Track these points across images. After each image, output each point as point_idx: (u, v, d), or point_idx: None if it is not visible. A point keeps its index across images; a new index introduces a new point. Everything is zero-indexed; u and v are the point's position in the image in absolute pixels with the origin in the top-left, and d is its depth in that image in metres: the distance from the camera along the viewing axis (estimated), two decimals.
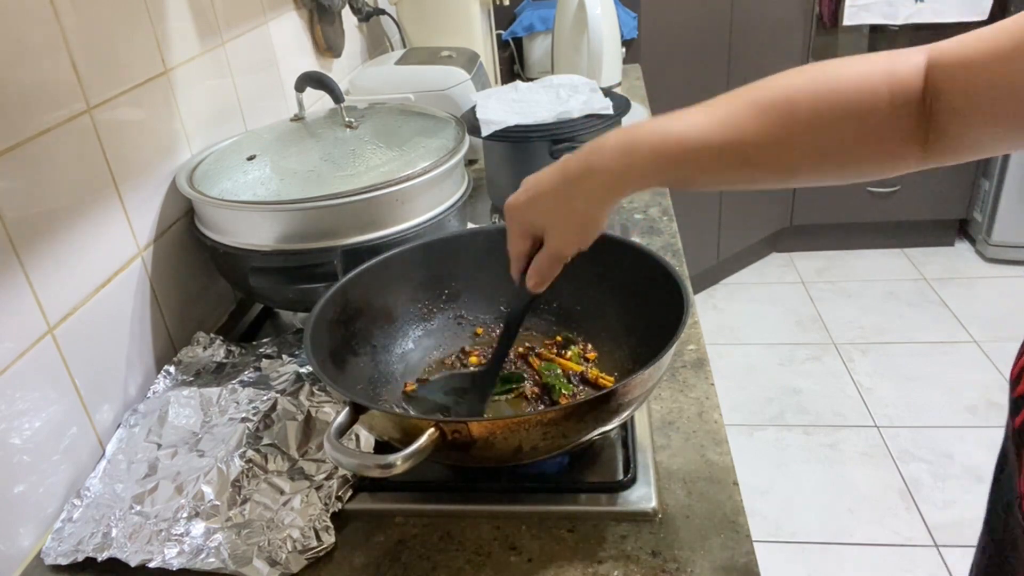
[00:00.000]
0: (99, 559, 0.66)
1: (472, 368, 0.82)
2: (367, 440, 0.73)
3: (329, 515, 0.67)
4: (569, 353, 0.83)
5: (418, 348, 0.85)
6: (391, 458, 0.55)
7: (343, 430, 0.59)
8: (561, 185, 0.59)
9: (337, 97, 1.00)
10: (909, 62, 0.50)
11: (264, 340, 0.94)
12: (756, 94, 0.54)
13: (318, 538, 0.66)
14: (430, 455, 0.56)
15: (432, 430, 0.56)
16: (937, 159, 0.52)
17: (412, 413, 0.77)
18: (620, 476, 0.71)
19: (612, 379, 0.79)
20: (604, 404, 0.60)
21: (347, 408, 0.60)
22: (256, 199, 0.88)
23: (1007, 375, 0.47)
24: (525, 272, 0.65)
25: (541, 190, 0.60)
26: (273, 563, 0.63)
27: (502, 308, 0.88)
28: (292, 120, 1.07)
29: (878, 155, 0.53)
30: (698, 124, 0.54)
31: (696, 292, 2.86)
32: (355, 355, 0.78)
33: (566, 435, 0.60)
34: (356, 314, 0.79)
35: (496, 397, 0.78)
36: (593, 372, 0.80)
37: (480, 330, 0.88)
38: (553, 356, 0.83)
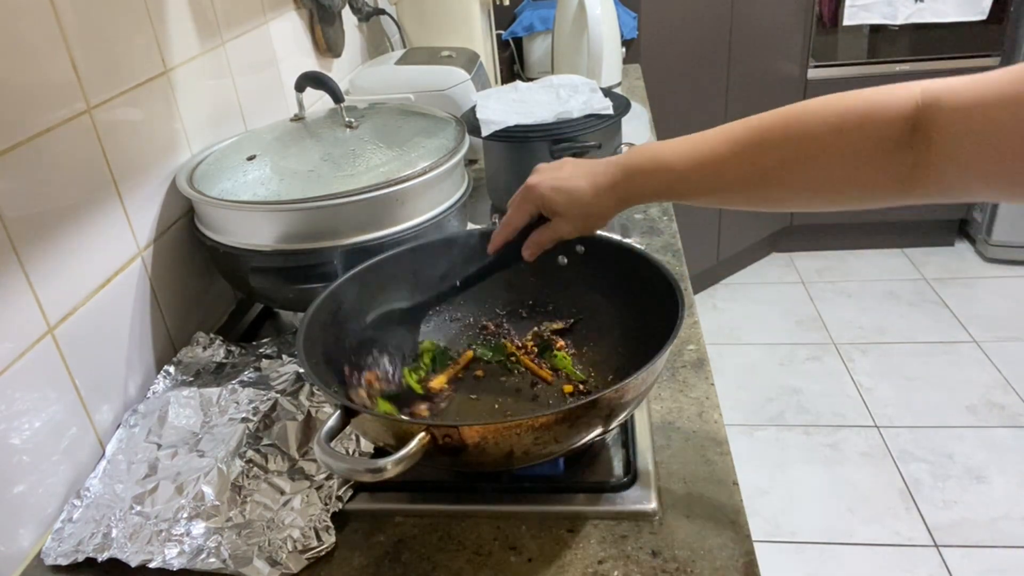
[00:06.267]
0: (99, 559, 0.66)
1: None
2: (367, 441, 0.73)
3: (329, 515, 0.67)
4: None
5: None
6: (381, 463, 0.54)
7: (334, 434, 0.58)
8: (592, 190, 0.69)
9: (337, 97, 1.00)
10: (900, 95, 0.53)
11: (264, 340, 0.94)
12: (738, 126, 0.62)
13: (318, 538, 0.66)
14: (421, 459, 0.56)
15: (423, 435, 0.56)
16: (917, 197, 0.55)
17: (403, 416, 0.76)
18: (620, 476, 0.71)
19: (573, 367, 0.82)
20: (598, 408, 0.60)
21: (338, 411, 0.60)
22: (256, 199, 0.88)
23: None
24: (506, 243, 0.75)
25: (570, 186, 0.70)
26: (273, 563, 0.63)
27: (497, 311, 0.89)
28: (292, 120, 1.07)
29: (855, 188, 0.57)
30: (683, 154, 0.64)
31: (696, 292, 2.86)
32: (350, 357, 0.78)
33: (559, 440, 0.60)
34: (350, 316, 0.79)
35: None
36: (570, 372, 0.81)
37: (491, 325, 0.88)
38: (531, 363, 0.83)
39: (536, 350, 0.84)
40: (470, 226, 1.07)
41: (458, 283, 0.81)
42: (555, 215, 0.72)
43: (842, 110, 0.55)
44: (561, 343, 0.84)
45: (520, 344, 0.85)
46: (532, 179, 0.72)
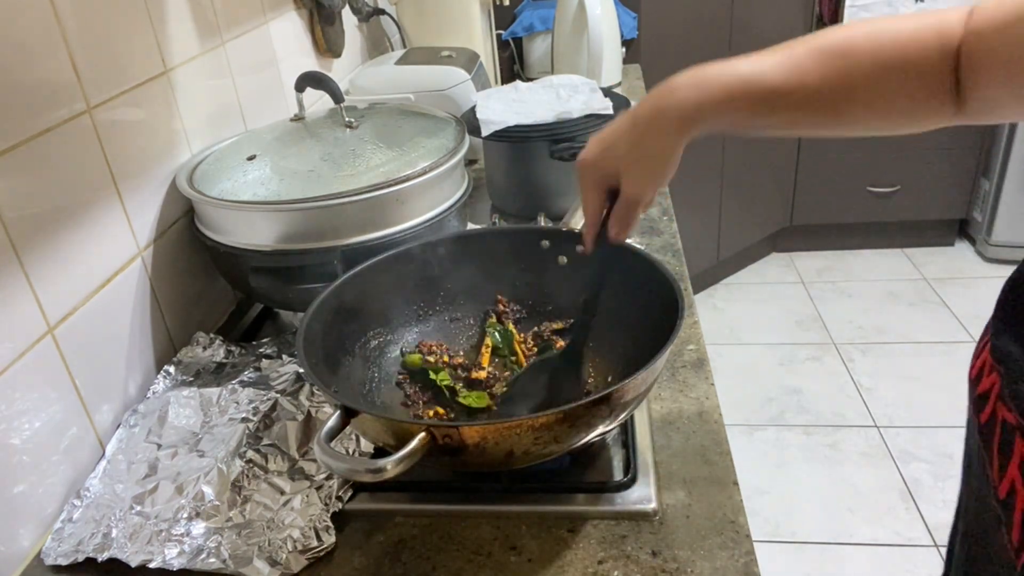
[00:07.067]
0: (99, 559, 0.66)
1: (547, 353, 0.82)
2: (367, 441, 0.73)
3: (329, 515, 0.67)
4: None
5: (412, 350, 0.84)
6: (381, 463, 0.54)
7: (334, 433, 0.58)
8: (633, 129, 0.61)
9: (337, 97, 1.00)
10: (954, 19, 0.53)
11: (264, 340, 0.94)
12: (819, 42, 0.57)
13: (318, 538, 0.66)
14: (422, 459, 0.56)
15: (423, 434, 0.56)
16: (966, 117, 0.55)
17: (401, 417, 0.77)
18: (620, 476, 0.71)
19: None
20: (598, 408, 0.60)
21: (338, 411, 0.60)
22: (256, 199, 0.88)
23: None
24: (597, 235, 0.68)
25: (614, 139, 0.63)
26: (273, 563, 0.63)
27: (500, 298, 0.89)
28: (292, 120, 1.07)
29: (923, 107, 0.55)
30: (765, 66, 0.57)
31: (696, 292, 2.86)
32: (350, 357, 0.78)
33: (559, 440, 0.60)
34: (351, 316, 0.79)
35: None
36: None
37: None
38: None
39: (536, 350, 0.84)
40: (470, 226, 1.07)
41: (584, 301, 0.74)
42: (618, 177, 0.64)
43: (921, 27, 0.54)
44: (561, 343, 0.84)
45: (519, 340, 0.85)
46: (580, 155, 0.65)
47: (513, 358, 0.83)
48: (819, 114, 0.58)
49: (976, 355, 0.48)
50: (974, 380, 0.47)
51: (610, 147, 0.63)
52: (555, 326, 0.86)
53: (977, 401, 0.47)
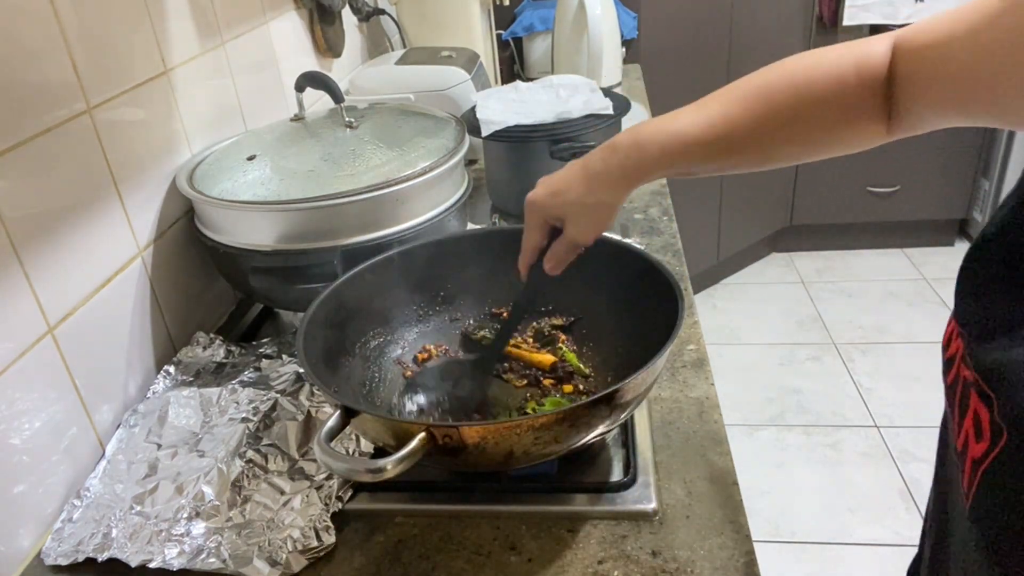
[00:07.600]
0: (99, 559, 0.66)
1: (470, 355, 0.84)
2: (367, 441, 0.73)
3: (329, 515, 0.67)
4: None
5: (413, 350, 0.85)
6: (381, 463, 0.54)
7: (334, 434, 0.58)
8: (583, 181, 0.67)
9: (337, 97, 1.00)
10: (877, 48, 0.56)
11: (264, 340, 0.94)
12: (746, 87, 0.61)
13: (318, 538, 0.66)
14: (421, 459, 0.56)
15: (423, 434, 0.56)
16: (899, 134, 0.58)
17: (403, 414, 0.77)
18: (620, 476, 0.71)
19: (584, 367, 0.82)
20: (598, 408, 0.60)
21: (338, 411, 0.60)
22: (256, 199, 0.88)
23: None
24: (532, 265, 0.73)
25: (564, 186, 0.68)
26: (273, 563, 0.63)
27: (495, 311, 0.89)
28: (292, 120, 1.07)
29: (847, 132, 0.59)
30: (694, 122, 0.61)
31: (696, 292, 2.86)
32: (349, 357, 0.78)
33: (559, 440, 0.60)
34: (350, 316, 0.79)
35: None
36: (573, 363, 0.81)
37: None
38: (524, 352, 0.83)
39: (537, 347, 0.84)
40: (470, 226, 1.07)
41: (506, 315, 0.79)
42: (562, 221, 0.69)
43: (838, 61, 0.57)
44: (564, 337, 0.84)
45: (518, 343, 0.85)
46: (530, 193, 0.70)
47: (506, 364, 0.83)
48: (750, 155, 0.62)
49: (948, 323, 0.50)
50: (944, 346, 0.49)
51: (559, 193, 0.68)
52: (555, 321, 0.86)
53: (945, 365, 0.49)
